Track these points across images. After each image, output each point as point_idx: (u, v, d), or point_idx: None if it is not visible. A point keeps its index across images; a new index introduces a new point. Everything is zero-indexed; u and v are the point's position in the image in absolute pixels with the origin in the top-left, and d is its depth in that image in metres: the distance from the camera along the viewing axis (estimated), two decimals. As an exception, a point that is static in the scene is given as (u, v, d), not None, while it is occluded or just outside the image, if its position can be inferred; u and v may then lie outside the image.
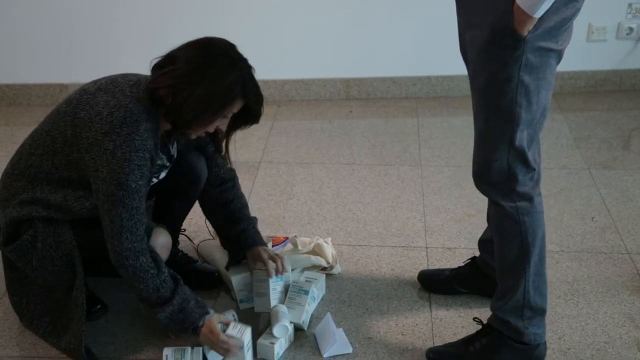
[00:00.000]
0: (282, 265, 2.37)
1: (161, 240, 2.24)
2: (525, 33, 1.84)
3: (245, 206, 2.48)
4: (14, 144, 2.30)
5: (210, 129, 2.12)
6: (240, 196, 2.48)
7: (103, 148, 2.00)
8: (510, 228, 2.05)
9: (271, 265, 2.35)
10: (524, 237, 2.05)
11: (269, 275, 2.33)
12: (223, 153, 2.28)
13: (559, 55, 1.92)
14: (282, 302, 2.39)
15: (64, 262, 2.18)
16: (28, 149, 2.21)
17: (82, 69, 3.96)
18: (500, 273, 2.16)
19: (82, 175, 2.09)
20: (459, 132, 3.80)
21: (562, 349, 2.28)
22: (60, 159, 2.12)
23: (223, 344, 2.12)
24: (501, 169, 1.99)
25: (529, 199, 2.03)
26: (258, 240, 2.43)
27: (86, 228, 2.17)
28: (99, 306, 2.42)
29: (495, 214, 2.10)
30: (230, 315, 2.34)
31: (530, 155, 1.99)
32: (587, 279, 2.63)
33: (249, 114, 2.15)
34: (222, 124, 2.13)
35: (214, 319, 2.16)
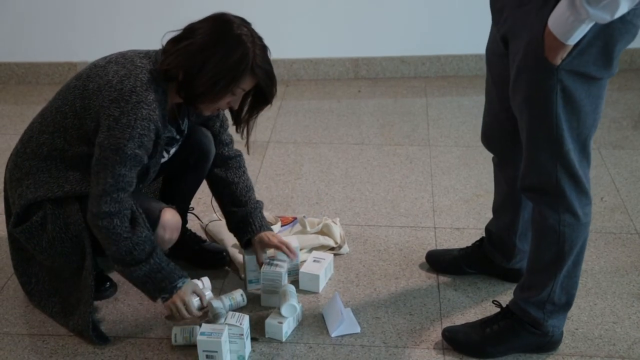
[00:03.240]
0: (292, 249, 2.37)
1: (171, 221, 2.23)
2: (558, 62, 1.75)
3: (251, 189, 2.45)
4: (23, 122, 2.30)
5: (222, 105, 2.12)
6: (246, 178, 2.46)
7: (108, 114, 2.01)
8: (550, 237, 2.02)
9: (285, 249, 2.35)
10: (562, 246, 2.02)
11: (291, 258, 2.35)
12: (243, 138, 2.26)
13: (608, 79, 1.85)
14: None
15: (74, 243, 2.18)
16: (38, 127, 2.21)
17: (91, 47, 3.95)
18: (530, 268, 2.14)
19: (92, 148, 2.09)
20: (468, 112, 3.78)
21: (570, 329, 2.28)
22: (72, 134, 2.12)
23: (184, 314, 2.17)
24: (549, 183, 1.95)
25: (575, 212, 1.98)
26: (265, 225, 2.41)
27: None
28: (108, 284, 2.43)
29: (537, 218, 2.06)
30: (238, 295, 2.35)
31: (579, 170, 1.94)
32: (595, 259, 2.63)
33: (261, 94, 2.14)
34: (233, 101, 2.12)
35: (190, 286, 2.19)
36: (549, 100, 1.83)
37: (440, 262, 2.56)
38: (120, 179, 2.03)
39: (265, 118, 3.70)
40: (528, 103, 1.89)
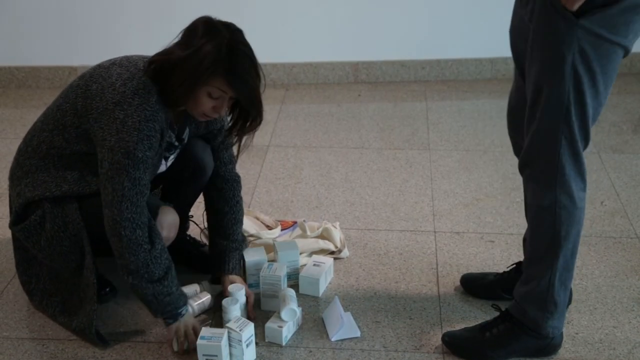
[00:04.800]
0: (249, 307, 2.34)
1: (168, 219, 2.24)
2: (575, 7, 1.72)
3: (238, 222, 2.44)
4: (23, 126, 2.31)
5: (206, 108, 2.07)
6: (237, 210, 2.43)
7: (113, 117, 2.01)
8: (546, 219, 2.01)
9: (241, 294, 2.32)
10: (557, 230, 2.00)
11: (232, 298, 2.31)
12: (233, 152, 2.26)
13: (625, 50, 1.83)
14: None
15: (72, 242, 2.19)
16: (40, 125, 2.22)
17: (91, 51, 3.94)
18: (528, 259, 2.14)
19: (91, 147, 2.10)
20: (468, 116, 3.79)
21: (570, 333, 2.28)
22: (71, 133, 2.13)
23: (192, 339, 2.16)
24: (550, 159, 1.93)
25: (571, 193, 1.97)
26: (237, 269, 2.40)
27: (94, 206, 2.18)
28: (108, 289, 2.42)
29: (533, 201, 2.05)
30: (194, 288, 2.37)
31: (581, 148, 1.93)
32: (595, 263, 2.63)
33: (245, 108, 2.11)
34: (216, 106, 2.07)
35: (191, 315, 2.23)
36: (565, 60, 1.80)
37: (475, 286, 2.48)
38: (137, 183, 2.03)
39: (265, 122, 3.67)
40: (544, 71, 1.86)
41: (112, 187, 2.03)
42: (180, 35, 2.05)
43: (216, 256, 2.42)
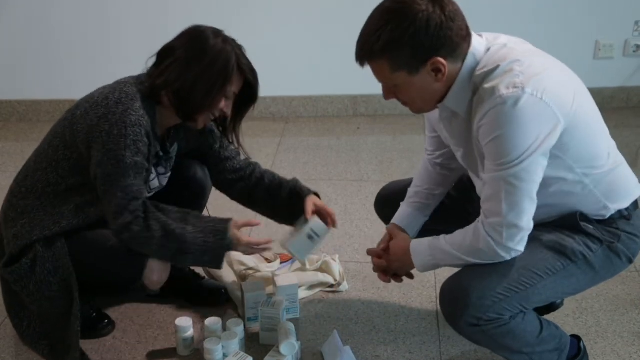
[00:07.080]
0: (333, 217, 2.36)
1: (157, 267, 2.19)
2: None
3: (277, 174, 2.48)
4: (24, 160, 2.31)
5: (216, 111, 2.13)
6: (272, 174, 2.47)
7: (99, 131, 2.03)
8: (481, 339, 1.97)
9: (331, 215, 2.35)
10: (501, 342, 1.95)
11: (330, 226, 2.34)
12: (235, 146, 2.32)
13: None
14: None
15: (61, 287, 2.16)
16: (33, 165, 2.22)
17: (92, 84, 3.97)
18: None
19: (85, 176, 2.11)
20: (466, 149, 3.79)
21: (570, 367, 2.26)
22: (64, 167, 2.13)
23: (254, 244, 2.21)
24: (483, 311, 1.87)
25: (497, 319, 1.90)
26: (308, 191, 2.40)
27: (85, 247, 2.18)
28: (105, 321, 2.41)
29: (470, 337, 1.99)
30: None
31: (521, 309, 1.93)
32: (595, 297, 2.62)
33: (248, 92, 2.18)
34: (226, 105, 2.14)
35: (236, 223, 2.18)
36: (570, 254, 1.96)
37: None
38: (129, 190, 2.04)
39: (264, 155, 3.72)
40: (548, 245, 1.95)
41: (108, 200, 2.06)
42: (177, 49, 2.10)
43: (290, 194, 2.41)
